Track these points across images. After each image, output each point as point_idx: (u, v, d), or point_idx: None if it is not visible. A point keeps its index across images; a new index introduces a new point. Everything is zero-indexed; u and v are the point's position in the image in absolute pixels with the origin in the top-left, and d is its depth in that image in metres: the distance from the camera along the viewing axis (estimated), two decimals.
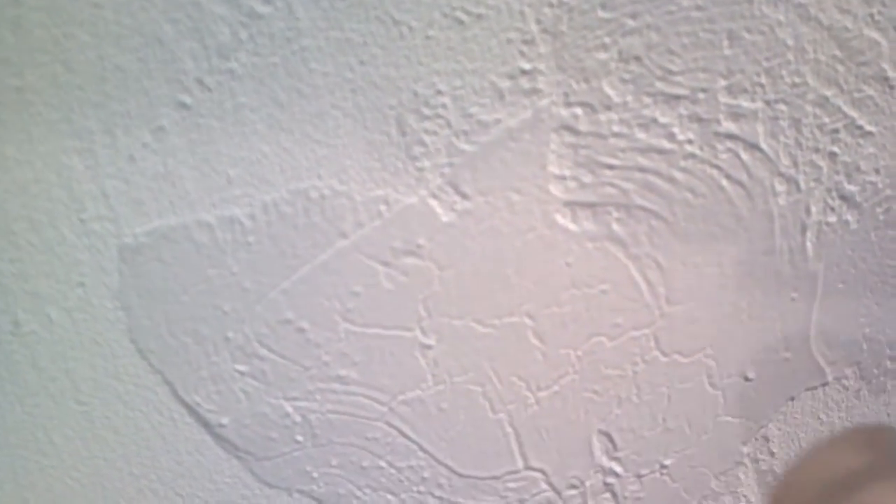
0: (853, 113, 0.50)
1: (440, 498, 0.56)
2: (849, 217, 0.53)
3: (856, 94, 0.50)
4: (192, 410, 0.51)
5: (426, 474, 0.55)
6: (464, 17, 0.44)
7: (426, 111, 0.46)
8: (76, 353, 0.48)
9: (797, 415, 0.58)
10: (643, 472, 0.58)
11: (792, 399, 0.58)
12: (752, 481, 0.60)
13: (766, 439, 0.59)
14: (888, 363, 0.59)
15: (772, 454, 0.59)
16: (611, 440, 0.56)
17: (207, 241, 0.47)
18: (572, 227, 0.50)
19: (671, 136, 0.48)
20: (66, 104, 0.43)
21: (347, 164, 0.46)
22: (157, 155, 0.45)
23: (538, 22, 0.45)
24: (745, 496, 0.60)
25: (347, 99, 0.45)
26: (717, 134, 0.49)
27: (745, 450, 0.59)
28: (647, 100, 0.47)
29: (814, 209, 0.52)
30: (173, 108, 0.44)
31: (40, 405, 0.50)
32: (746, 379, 0.56)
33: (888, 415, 0.61)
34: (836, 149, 0.51)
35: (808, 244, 0.53)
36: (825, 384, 0.58)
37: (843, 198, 0.52)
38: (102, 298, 0.47)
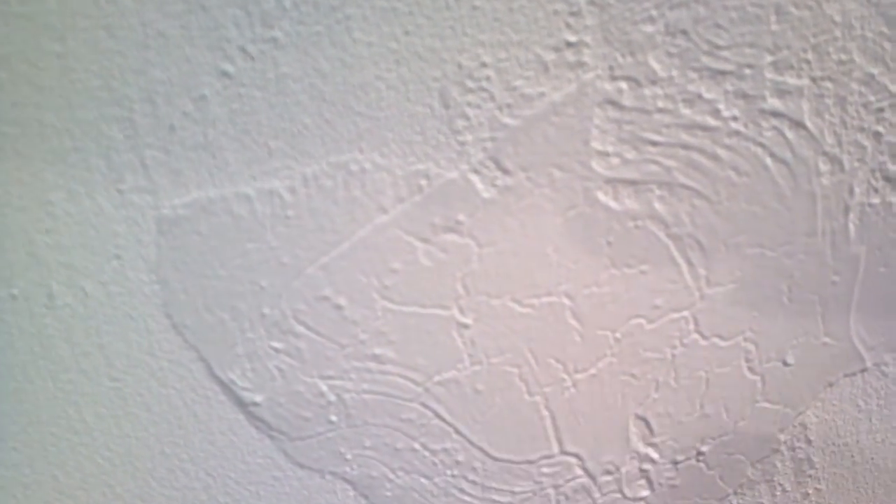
0: None
1: (473, 482, 0.55)
2: (892, 199, 0.52)
3: None
4: (226, 388, 0.50)
5: (460, 457, 0.54)
6: None
7: (470, 84, 0.45)
8: (110, 327, 0.48)
9: (835, 401, 0.57)
10: (679, 458, 0.57)
11: (830, 385, 0.57)
12: (788, 469, 0.59)
13: (804, 426, 0.58)
14: None
15: (809, 442, 0.58)
16: (647, 425, 0.55)
17: (246, 213, 0.46)
18: (614, 204, 0.49)
19: (716, 113, 0.48)
20: (106, 71, 0.43)
21: (389, 136, 0.46)
22: (197, 125, 0.44)
23: None
24: (780, 484, 0.59)
25: (391, 70, 0.44)
26: (762, 111, 0.48)
27: (782, 437, 0.58)
28: (693, 75, 0.47)
29: (857, 190, 0.51)
30: (215, 76, 0.43)
31: (73, 381, 0.49)
32: (785, 364, 0.55)
33: None
34: (880, 128, 0.50)
35: (851, 226, 0.52)
36: (864, 370, 0.57)
37: (887, 179, 0.51)
38: (139, 271, 0.47)
